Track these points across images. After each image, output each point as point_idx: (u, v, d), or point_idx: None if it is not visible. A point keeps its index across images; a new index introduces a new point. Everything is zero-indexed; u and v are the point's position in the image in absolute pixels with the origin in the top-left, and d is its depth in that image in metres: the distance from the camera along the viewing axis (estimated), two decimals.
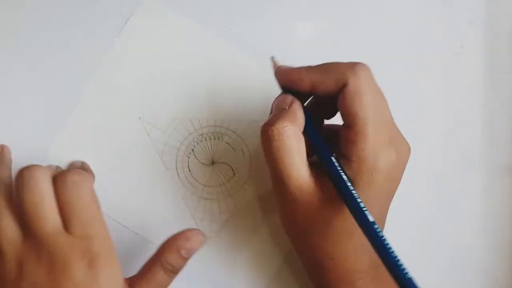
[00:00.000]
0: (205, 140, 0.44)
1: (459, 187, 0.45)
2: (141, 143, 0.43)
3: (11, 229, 0.35)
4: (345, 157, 0.33)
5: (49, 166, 0.39)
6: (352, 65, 0.33)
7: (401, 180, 0.42)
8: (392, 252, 0.30)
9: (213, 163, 0.44)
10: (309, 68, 0.34)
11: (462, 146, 0.45)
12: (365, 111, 0.32)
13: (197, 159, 0.43)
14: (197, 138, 0.43)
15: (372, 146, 0.32)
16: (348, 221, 0.32)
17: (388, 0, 0.45)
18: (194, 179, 0.43)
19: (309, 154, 0.35)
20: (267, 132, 0.33)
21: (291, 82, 0.35)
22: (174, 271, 0.37)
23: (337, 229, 0.34)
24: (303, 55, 0.44)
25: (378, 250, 0.31)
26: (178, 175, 0.43)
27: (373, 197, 0.33)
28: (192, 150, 0.43)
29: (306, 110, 0.35)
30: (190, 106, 0.43)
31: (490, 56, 0.45)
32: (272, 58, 0.37)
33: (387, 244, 0.30)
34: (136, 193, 0.43)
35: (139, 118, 0.43)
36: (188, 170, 0.43)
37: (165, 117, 0.43)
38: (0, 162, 0.40)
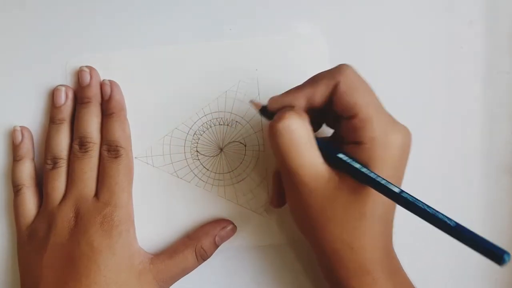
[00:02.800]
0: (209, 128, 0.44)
1: (459, 186, 0.45)
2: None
3: (58, 191, 0.41)
4: (357, 145, 0.34)
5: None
6: (337, 67, 0.35)
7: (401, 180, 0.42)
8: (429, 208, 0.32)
9: (221, 150, 0.44)
10: (299, 86, 0.36)
11: (462, 146, 0.45)
12: (363, 98, 0.34)
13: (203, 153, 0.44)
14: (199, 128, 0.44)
15: (379, 126, 0.34)
16: (366, 205, 0.34)
17: (388, 0, 0.45)
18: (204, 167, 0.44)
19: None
20: (274, 129, 0.34)
21: (287, 105, 0.36)
22: (204, 257, 0.42)
23: (355, 215, 0.34)
24: (302, 55, 0.44)
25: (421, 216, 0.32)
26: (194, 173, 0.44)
27: (392, 173, 0.34)
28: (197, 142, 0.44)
29: None
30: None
31: (490, 56, 0.45)
32: (252, 101, 0.39)
33: (423, 205, 0.32)
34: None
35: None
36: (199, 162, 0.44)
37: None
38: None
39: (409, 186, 0.43)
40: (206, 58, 0.44)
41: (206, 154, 0.44)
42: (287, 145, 0.34)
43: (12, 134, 0.43)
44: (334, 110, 0.35)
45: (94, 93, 0.42)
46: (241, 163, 0.44)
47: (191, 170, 0.44)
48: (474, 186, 0.45)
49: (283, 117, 0.34)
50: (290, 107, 0.35)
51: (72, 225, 0.40)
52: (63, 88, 0.43)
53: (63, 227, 0.40)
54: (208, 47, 0.44)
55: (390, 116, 0.35)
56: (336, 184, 0.34)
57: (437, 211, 0.30)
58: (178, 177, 0.44)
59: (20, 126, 0.43)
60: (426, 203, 0.31)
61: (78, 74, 0.43)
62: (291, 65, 0.44)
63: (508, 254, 0.27)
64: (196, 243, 0.41)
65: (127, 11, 0.44)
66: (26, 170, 0.42)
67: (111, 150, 0.41)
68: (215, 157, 0.44)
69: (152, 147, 0.44)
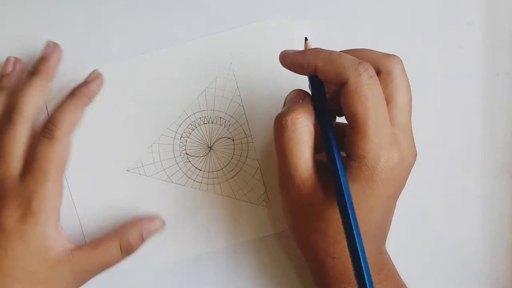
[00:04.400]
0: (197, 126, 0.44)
1: (459, 187, 0.45)
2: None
3: None
4: (347, 156, 0.34)
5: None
6: (357, 63, 0.32)
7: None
8: (361, 261, 0.31)
9: (210, 148, 0.44)
10: (317, 53, 0.34)
11: (462, 146, 0.45)
12: (365, 111, 0.32)
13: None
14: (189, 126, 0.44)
15: (371, 147, 0.32)
16: None
17: (386, 0, 0.44)
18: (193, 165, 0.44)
19: (317, 151, 0.35)
20: (280, 122, 0.33)
21: (294, 66, 0.35)
22: (129, 251, 0.40)
23: (337, 229, 0.34)
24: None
25: (350, 252, 0.31)
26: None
27: (374, 197, 0.33)
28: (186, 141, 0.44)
29: (322, 102, 0.35)
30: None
31: (489, 56, 0.44)
32: (306, 39, 0.38)
33: (359, 251, 0.31)
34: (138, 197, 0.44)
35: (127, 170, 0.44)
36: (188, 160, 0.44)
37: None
38: None
39: (409, 186, 0.43)
40: (180, 60, 0.44)
41: (196, 155, 0.44)
42: (289, 141, 0.33)
43: None
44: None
45: (48, 67, 0.40)
46: (232, 157, 0.44)
47: (184, 173, 0.44)
48: (473, 186, 0.45)
49: (292, 109, 0.33)
50: (299, 103, 0.35)
51: None
52: (12, 59, 0.41)
53: None
54: (180, 49, 0.44)
55: (392, 135, 0.33)
56: (320, 196, 0.34)
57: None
58: (172, 182, 0.44)
59: None
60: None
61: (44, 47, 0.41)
62: (265, 54, 0.44)
63: None
64: (121, 237, 0.39)
65: (98, 24, 0.44)
66: None
67: (46, 128, 0.38)
68: (205, 156, 0.44)
69: (141, 157, 0.44)
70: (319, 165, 0.35)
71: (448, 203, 0.45)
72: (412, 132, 0.36)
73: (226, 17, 0.44)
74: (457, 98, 0.45)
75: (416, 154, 0.35)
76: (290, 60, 0.35)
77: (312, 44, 0.37)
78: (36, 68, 0.40)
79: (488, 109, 0.44)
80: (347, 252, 0.32)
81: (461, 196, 0.45)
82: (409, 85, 0.35)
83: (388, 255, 0.38)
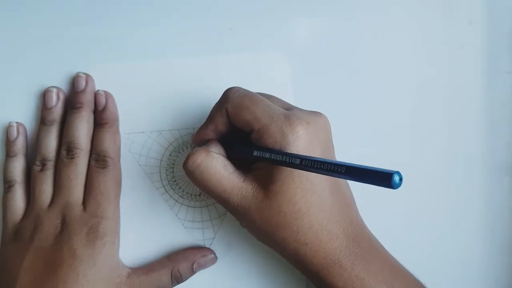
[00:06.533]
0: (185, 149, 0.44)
1: (459, 187, 0.45)
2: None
3: (45, 194, 0.41)
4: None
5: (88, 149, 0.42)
6: (222, 95, 0.38)
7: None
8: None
9: None
10: (205, 122, 0.39)
11: (462, 146, 0.45)
12: (251, 113, 0.36)
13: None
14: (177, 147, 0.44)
15: (276, 130, 0.35)
16: (298, 203, 0.35)
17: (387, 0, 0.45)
18: (180, 188, 0.44)
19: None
20: (187, 169, 0.36)
21: (204, 141, 0.40)
22: (179, 281, 0.42)
23: (293, 215, 0.35)
24: (303, 53, 0.44)
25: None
26: (164, 187, 0.44)
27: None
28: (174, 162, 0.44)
29: (227, 137, 0.39)
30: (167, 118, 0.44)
31: (490, 56, 0.45)
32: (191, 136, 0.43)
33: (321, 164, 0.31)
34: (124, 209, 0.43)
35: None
36: (174, 181, 0.44)
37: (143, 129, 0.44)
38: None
39: (409, 186, 0.42)
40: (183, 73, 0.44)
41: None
42: (201, 178, 0.36)
43: (7, 130, 0.43)
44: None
45: (87, 99, 0.42)
46: None
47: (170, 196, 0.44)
48: (474, 186, 0.45)
49: (188, 156, 0.36)
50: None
51: (58, 232, 0.40)
52: (54, 90, 0.42)
53: (49, 233, 0.40)
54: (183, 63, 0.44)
55: (287, 114, 0.36)
56: (263, 193, 0.35)
57: (332, 161, 0.30)
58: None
59: (16, 123, 0.43)
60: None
61: (74, 80, 0.43)
62: (256, 82, 0.44)
63: (397, 172, 0.26)
64: (173, 265, 0.41)
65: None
66: (19, 167, 0.42)
67: (99, 160, 0.41)
68: None
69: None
70: (248, 173, 0.37)
71: (448, 203, 0.45)
72: (296, 108, 0.38)
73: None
74: (457, 97, 0.45)
75: (326, 119, 0.37)
76: (197, 142, 0.40)
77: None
78: (79, 101, 0.42)
79: (488, 109, 0.45)
80: (315, 234, 0.35)
81: (461, 196, 0.45)
82: (248, 94, 0.37)
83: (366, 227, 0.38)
